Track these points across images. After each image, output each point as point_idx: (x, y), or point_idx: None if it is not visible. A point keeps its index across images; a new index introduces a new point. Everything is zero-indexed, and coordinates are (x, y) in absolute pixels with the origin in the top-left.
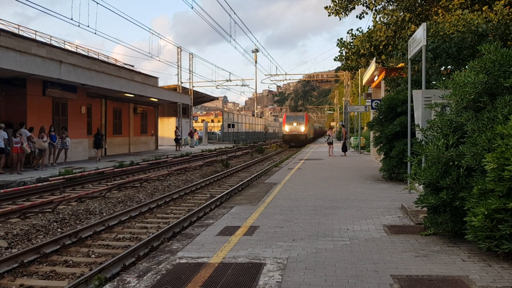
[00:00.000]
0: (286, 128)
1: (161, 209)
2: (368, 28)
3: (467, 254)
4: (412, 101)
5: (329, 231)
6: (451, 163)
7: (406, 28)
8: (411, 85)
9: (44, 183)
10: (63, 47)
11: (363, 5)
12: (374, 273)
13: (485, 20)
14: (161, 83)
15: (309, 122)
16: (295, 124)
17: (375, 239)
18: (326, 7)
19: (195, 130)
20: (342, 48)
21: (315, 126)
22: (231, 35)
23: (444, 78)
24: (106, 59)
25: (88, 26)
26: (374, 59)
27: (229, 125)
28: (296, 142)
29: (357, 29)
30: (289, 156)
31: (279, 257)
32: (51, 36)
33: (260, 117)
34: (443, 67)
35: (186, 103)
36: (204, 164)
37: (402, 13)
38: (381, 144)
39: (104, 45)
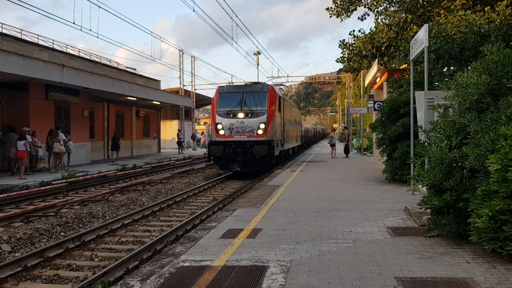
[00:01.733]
0: (219, 127)
1: (164, 212)
2: (370, 29)
3: (472, 256)
4: (414, 103)
5: (332, 234)
6: (454, 165)
7: (408, 29)
8: (413, 86)
9: (47, 187)
10: (65, 51)
11: (365, 7)
12: (378, 275)
13: (487, 20)
14: (163, 86)
15: (280, 111)
16: (241, 114)
17: (379, 241)
18: (327, 9)
19: (202, 133)
20: (344, 50)
21: (317, 128)
22: (233, 38)
23: (446, 79)
24: (108, 63)
25: (90, 30)
26: (376, 60)
27: None
28: (245, 163)
29: (359, 31)
30: (290, 158)
31: (282, 260)
32: (53, 40)
33: None
34: (446, 68)
35: (188, 106)
36: (206, 167)
37: (404, 15)
38: (384, 146)
39: (107, 49)
